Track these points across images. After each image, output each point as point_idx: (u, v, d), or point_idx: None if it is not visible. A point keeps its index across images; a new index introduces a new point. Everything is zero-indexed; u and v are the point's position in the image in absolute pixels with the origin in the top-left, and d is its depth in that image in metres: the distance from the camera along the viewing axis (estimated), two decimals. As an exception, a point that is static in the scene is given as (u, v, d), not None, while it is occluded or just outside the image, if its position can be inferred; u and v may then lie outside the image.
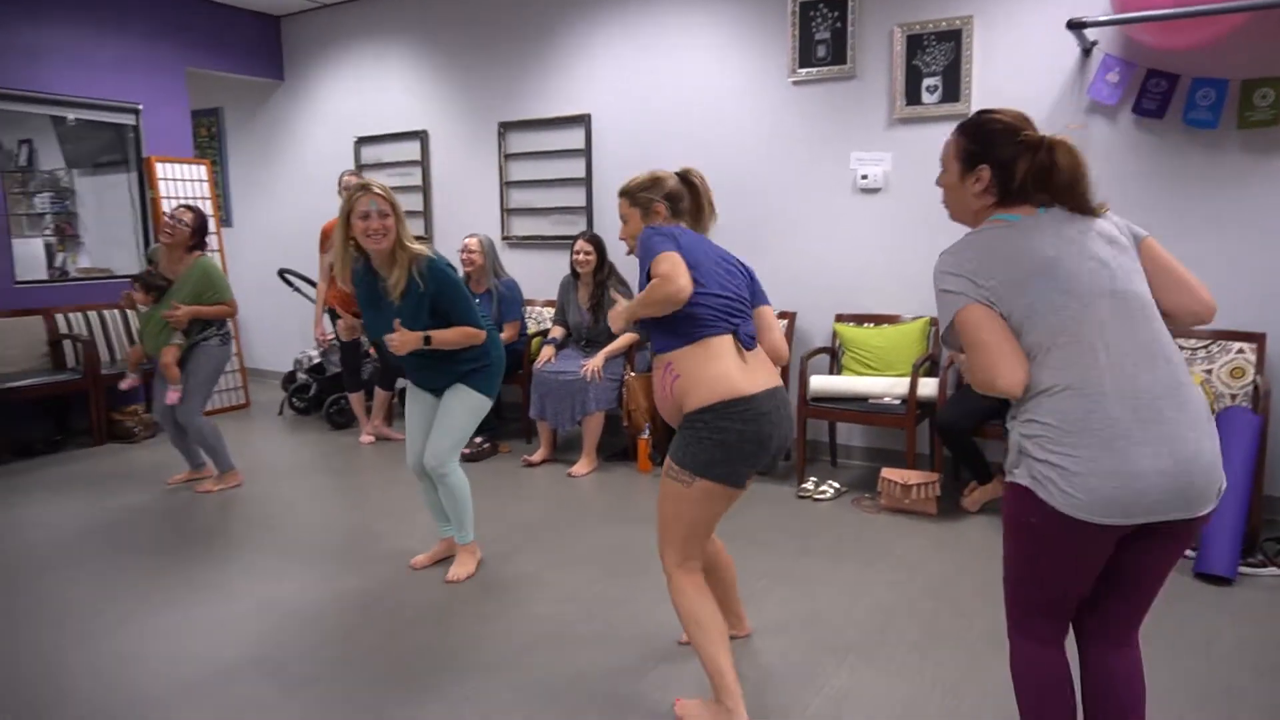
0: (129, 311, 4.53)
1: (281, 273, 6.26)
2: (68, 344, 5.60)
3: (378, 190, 3.03)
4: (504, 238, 6.01)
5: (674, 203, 2.43)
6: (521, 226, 5.99)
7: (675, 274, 2.14)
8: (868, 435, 4.86)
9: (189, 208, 4.36)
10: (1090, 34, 4.01)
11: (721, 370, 2.17)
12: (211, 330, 4.38)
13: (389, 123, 6.50)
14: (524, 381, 5.23)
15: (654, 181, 2.44)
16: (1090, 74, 4.06)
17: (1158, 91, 3.91)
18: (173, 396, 4.27)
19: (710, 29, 5.08)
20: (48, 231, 7.35)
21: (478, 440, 5.10)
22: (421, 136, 6.33)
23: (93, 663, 2.71)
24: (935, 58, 4.42)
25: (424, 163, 6.34)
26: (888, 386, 4.25)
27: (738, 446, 2.15)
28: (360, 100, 6.66)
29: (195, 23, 6.42)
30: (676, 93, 5.23)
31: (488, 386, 3.32)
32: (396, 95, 6.45)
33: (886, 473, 4.02)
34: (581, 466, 4.74)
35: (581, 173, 5.62)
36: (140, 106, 6.08)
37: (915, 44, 4.45)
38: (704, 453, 2.15)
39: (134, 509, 4.22)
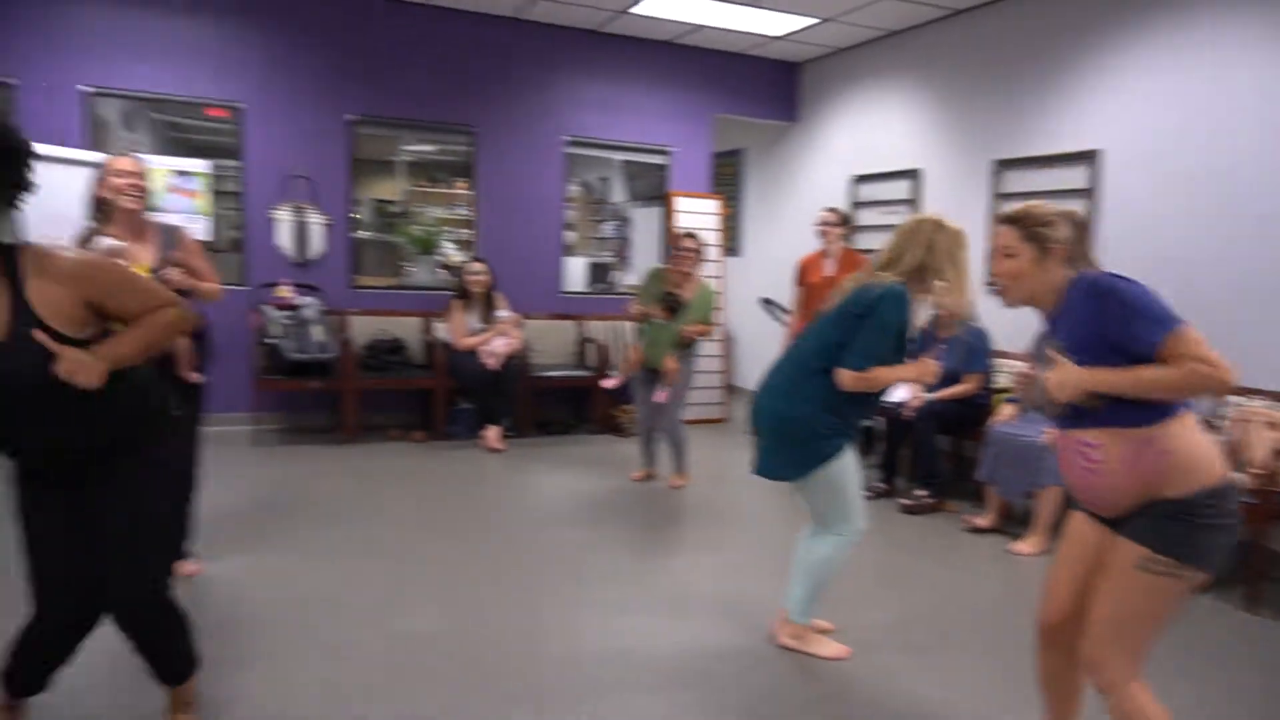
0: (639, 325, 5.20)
1: (765, 300, 6.67)
2: (591, 345, 6.71)
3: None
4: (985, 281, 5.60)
5: (1073, 248, 2.08)
6: (1008, 272, 5.52)
7: (1223, 361, 1.85)
8: None
9: (691, 234, 4.97)
10: None
11: (1211, 446, 1.92)
12: (694, 346, 4.97)
13: (885, 161, 6.52)
14: (980, 438, 4.82)
15: (1058, 218, 2.09)
16: None
17: None
18: (662, 395, 4.86)
19: (1264, 44, 4.11)
20: (608, 254, 8.98)
21: (920, 494, 4.85)
22: (914, 175, 6.22)
23: (538, 627, 3.24)
24: None
25: (915, 201, 6.21)
26: None
27: (1236, 531, 1.93)
28: (861, 139, 6.79)
29: (726, 73, 7.18)
30: (1217, 127, 4.34)
31: None
32: (895, 133, 6.43)
33: None
34: (1028, 545, 4.20)
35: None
36: (671, 149, 7.01)
37: None
38: (1211, 541, 1.91)
39: (607, 491, 4.94)
